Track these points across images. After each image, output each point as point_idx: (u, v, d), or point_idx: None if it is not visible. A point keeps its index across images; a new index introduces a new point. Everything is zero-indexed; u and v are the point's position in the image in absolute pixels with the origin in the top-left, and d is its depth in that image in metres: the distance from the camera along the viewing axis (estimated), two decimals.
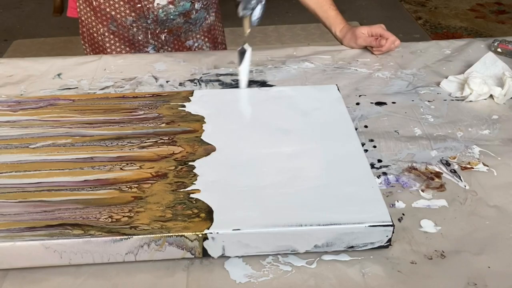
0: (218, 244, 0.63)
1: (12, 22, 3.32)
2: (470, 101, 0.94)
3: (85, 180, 0.70)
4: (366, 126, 0.88)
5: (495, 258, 0.64)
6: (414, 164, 0.79)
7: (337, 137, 0.78)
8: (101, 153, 0.75)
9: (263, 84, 1.01)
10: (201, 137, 0.78)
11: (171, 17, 1.17)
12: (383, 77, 1.03)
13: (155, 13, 1.15)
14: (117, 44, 1.20)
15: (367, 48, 1.13)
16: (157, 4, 1.14)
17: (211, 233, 0.62)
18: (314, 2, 1.17)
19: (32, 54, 2.80)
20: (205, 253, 0.63)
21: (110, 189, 0.68)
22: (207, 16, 1.24)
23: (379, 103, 0.95)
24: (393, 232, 0.64)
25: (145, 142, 0.77)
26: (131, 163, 0.73)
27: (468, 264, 0.63)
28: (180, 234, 0.62)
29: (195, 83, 1.01)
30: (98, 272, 0.63)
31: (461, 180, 0.76)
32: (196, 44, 1.25)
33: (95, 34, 1.20)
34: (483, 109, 0.93)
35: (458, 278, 0.61)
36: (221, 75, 1.04)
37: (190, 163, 0.73)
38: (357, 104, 0.94)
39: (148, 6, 1.14)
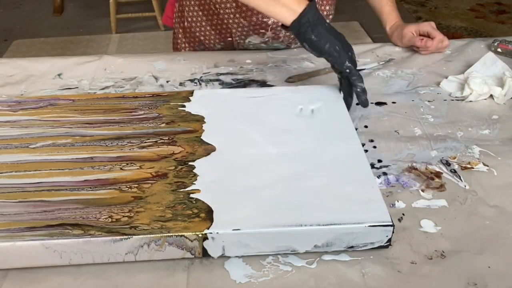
0: (218, 244, 0.63)
1: (12, 22, 3.32)
2: (470, 101, 0.94)
3: (85, 180, 0.70)
4: (366, 126, 0.88)
5: (495, 258, 0.64)
6: (414, 164, 0.79)
7: (337, 137, 0.78)
8: (101, 153, 0.75)
9: (263, 84, 1.01)
10: (201, 137, 0.78)
11: (262, 48, 1.16)
12: (383, 76, 1.03)
13: (244, 46, 1.16)
14: None
15: (412, 48, 1.12)
16: (249, 41, 1.14)
17: (211, 233, 0.62)
18: None
19: (32, 54, 2.80)
20: (205, 253, 0.63)
21: (110, 189, 0.68)
22: None
23: (379, 103, 0.95)
24: (393, 232, 0.64)
25: (145, 142, 0.77)
26: (131, 163, 0.73)
27: (468, 264, 0.63)
28: (180, 234, 0.62)
29: (195, 82, 1.01)
30: (98, 272, 0.63)
31: (461, 180, 0.76)
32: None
33: (183, 50, 1.22)
34: (483, 109, 0.93)
35: (458, 278, 0.61)
36: (221, 74, 1.04)
37: (190, 163, 0.73)
38: (357, 104, 0.94)
39: (239, 41, 1.15)
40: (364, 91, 0.85)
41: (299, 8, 0.82)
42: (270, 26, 1.10)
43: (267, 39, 1.13)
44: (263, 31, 1.11)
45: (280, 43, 1.14)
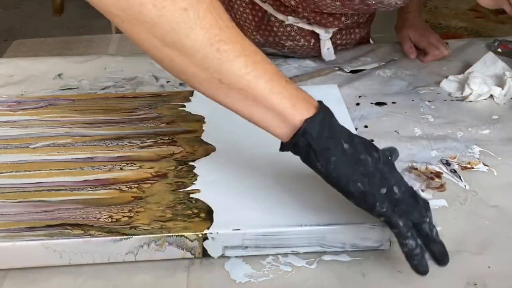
0: (218, 244, 0.63)
1: (12, 22, 3.32)
2: (470, 101, 0.94)
3: (85, 180, 0.70)
4: (366, 126, 0.88)
5: (495, 258, 0.64)
6: (414, 164, 0.79)
7: None
8: (101, 153, 0.75)
9: None
10: (201, 137, 0.78)
11: None
12: (384, 76, 1.03)
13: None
14: None
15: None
16: (264, 49, 1.07)
17: (211, 233, 0.62)
18: None
19: (32, 54, 2.80)
20: (205, 253, 0.63)
21: (110, 189, 0.68)
22: None
23: (379, 103, 0.95)
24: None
25: (145, 142, 0.77)
26: (131, 163, 0.73)
27: (468, 264, 0.63)
28: (180, 234, 0.62)
29: None
30: (98, 272, 0.63)
31: (461, 180, 0.76)
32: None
33: None
34: (483, 109, 0.93)
35: (458, 278, 0.61)
36: None
37: (190, 163, 0.73)
38: (357, 104, 0.94)
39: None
40: (434, 242, 0.57)
41: (299, 115, 0.54)
42: (287, 47, 1.07)
43: (283, 51, 1.10)
44: (279, 48, 1.09)
45: (297, 56, 1.10)
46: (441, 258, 0.56)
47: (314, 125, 0.54)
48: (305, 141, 0.54)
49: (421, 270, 0.57)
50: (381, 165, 0.55)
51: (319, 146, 0.54)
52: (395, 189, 0.54)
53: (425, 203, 0.56)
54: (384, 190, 0.54)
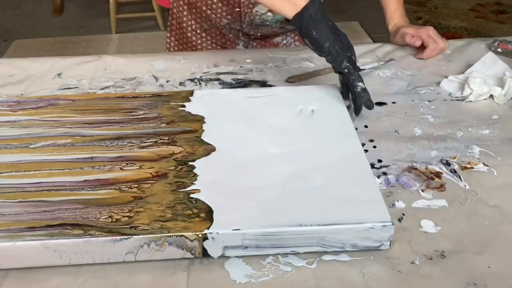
0: (218, 244, 0.63)
1: (12, 22, 3.33)
2: (470, 101, 0.94)
3: (85, 180, 0.70)
4: (366, 126, 0.88)
5: (495, 258, 0.64)
6: (414, 164, 0.79)
7: (337, 137, 0.78)
8: (101, 153, 0.75)
9: (263, 84, 1.01)
10: (201, 137, 0.78)
11: (267, 23, 1.17)
12: (383, 76, 1.03)
13: (251, 17, 1.15)
14: (208, 42, 1.21)
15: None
16: (256, 11, 1.13)
17: (211, 233, 0.62)
18: None
19: (32, 54, 2.80)
20: (205, 253, 0.63)
21: (110, 189, 0.68)
22: None
23: (379, 103, 0.94)
24: (393, 232, 0.63)
25: (145, 142, 0.77)
26: (131, 163, 0.73)
27: (468, 264, 0.63)
28: (180, 234, 0.62)
29: (195, 82, 1.01)
30: (98, 272, 0.63)
31: (461, 180, 0.76)
32: (284, 42, 1.24)
33: (185, 30, 1.21)
34: (483, 109, 0.93)
35: (458, 278, 0.61)
36: (221, 73, 1.04)
37: (190, 163, 0.73)
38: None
39: (246, 11, 1.14)
40: (365, 91, 0.85)
41: (302, 2, 0.83)
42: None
43: None
44: None
45: None
46: (367, 95, 0.85)
47: (313, 6, 0.83)
48: (307, 16, 0.83)
49: (370, 105, 0.86)
50: (346, 38, 0.86)
51: (316, 19, 0.83)
52: (353, 55, 0.85)
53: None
54: (349, 54, 0.84)
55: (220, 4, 1.13)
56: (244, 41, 1.21)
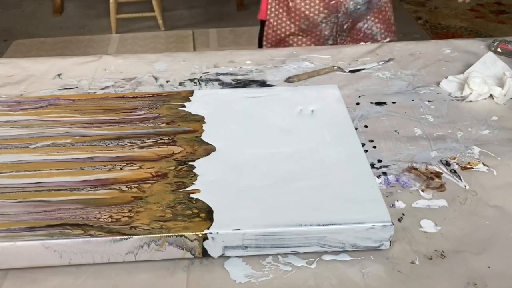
0: (218, 244, 0.63)
1: (12, 22, 3.32)
2: (470, 101, 0.94)
3: (85, 180, 0.70)
4: (366, 126, 0.88)
5: (495, 258, 0.64)
6: (414, 164, 0.79)
7: (337, 137, 0.78)
8: (101, 153, 0.75)
9: (263, 84, 1.01)
10: (201, 137, 0.78)
11: (358, 6, 1.24)
12: (383, 77, 1.03)
13: (346, 5, 1.23)
14: (304, 39, 1.28)
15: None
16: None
17: (211, 233, 0.62)
18: None
19: (32, 54, 2.80)
20: (205, 253, 0.63)
21: (110, 189, 0.68)
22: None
23: (379, 103, 0.95)
24: (393, 232, 0.63)
25: (145, 142, 0.77)
26: (131, 163, 0.73)
27: (468, 264, 0.63)
28: (180, 234, 0.62)
29: (195, 82, 1.01)
30: (98, 272, 0.63)
31: (461, 180, 0.76)
32: (365, 25, 1.30)
33: (283, 35, 1.29)
34: (483, 109, 0.93)
35: (458, 278, 0.61)
36: (221, 74, 1.04)
37: (190, 163, 0.73)
38: (357, 104, 0.94)
39: (341, 0, 1.22)
40: None
41: None
42: None
43: None
44: None
45: None
46: None
47: None
48: None
49: None
50: None
51: None
52: None
53: None
54: None
55: (317, 1, 1.23)
56: (334, 36, 1.29)
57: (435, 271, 0.62)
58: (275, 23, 1.29)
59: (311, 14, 1.24)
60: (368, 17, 1.29)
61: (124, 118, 0.83)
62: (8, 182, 0.70)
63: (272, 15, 1.29)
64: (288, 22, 1.27)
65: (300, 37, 1.28)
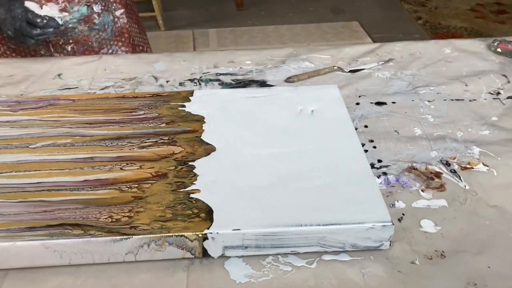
0: (218, 244, 0.63)
1: None
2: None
3: (85, 180, 0.70)
4: (366, 126, 0.88)
5: (495, 258, 0.64)
6: (414, 164, 0.79)
7: (337, 137, 0.78)
8: (101, 153, 0.75)
9: (263, 84, 1.01)
10: (201, 137, 0.78)
11: (70, 25, 1.13)
12: (383, 77, 1.03)
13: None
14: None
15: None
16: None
17: (211, 233, 0.62)
18: None
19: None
20: (205, 253, 0.63)
21: (110, 189, 0.68)
22: (116, 19, 1.20)
23: (379, 103, 0.95)
24: (393, 232, 0.64)
25: (145, 142, 0.77)
26: (131, 163, 0.73)
27: (468, 264, 0.63)
28: (180, 234, 0.62)
29: (195, 82, 1.02)
30: (98, 272, 0.63)
31: (461, 180, 0.76)
32: (110, 51, 1.20)
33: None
34: (483, 109, 0.93)
35: (458, 278, 0.61)
36: (221, 74, 1.04)
37: (190, 163, 0.73)
38: (357, 104, 0.94)
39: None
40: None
41: None
42: None
43: None
44: None
45: (79, 5, 1.11)
46: None
47: None
48: None
49: None
50: None
51: None
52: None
53: None
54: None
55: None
56: (59, 54, 1.16)
57: (435, 271, 0.62)
58: None
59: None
60: (112, 42, 1.19)
61: (124, 118, 0.83)
62: (8, 182, 0.70)
63: None
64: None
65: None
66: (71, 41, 1.15)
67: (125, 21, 1.21)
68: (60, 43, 1.15)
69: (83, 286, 0.61)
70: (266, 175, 0.71)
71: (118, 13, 1.20)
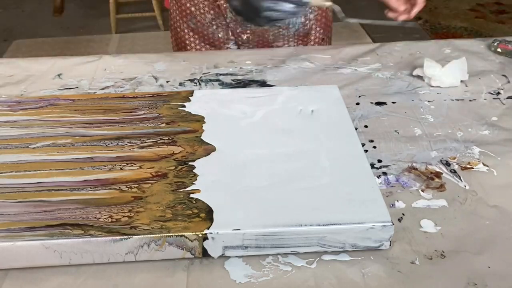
0: (218, 244, 0.63)
1: (12, 22, 3.33)
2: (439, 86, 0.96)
3: (85, 180, 0.70)
4: (366, 126, 0.88)
5: (495, 258, 0.64)
6: (414, 164, 0.79)
7: (337, 137, 0.78)
8: (101, 153, 0.75)
9: (263, 84, 1.01)
10: (201, 137, 0.78)
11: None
12: (383, 77, 1.03)
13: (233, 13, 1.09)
14: (197, 41, 1.18)
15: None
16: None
17: (211, 233, 0.62)
18: None
19: (32, 54, 2.80)
20: (205, 253, 0.63)
21: (110, 189, 0.68)
22: (307, 22, 1.17)
23: (379, 103, 0.95)
24: (393, 232, 0.64)
25: (145, 142, 0.77)
26: (131, 163, 0.73)
27: (468, 264, 0.63)
28: (180, 234, 0.62)
29: (195, 83, 1.01)
30: (98, 272, 0.63)
31: (461, 180, 0.76)
32: (286, 47, 1.18)
33: (178, 29, 1.19)
34: (483, 109, 0.93)
35: (458, 278, 0.61)
36: (221, 74, 1.04)
37: (190, 163, 0.73)
38: (357, 104, 0.94)
39: (225, 5, 1.10)
40: None
41: None
42: None
43: None
44: None
45: None
46: None
47: None
48: None
49: None
50: None
51: None
52: None
53: None
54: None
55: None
56: (235, 41, 1.17)
57: (435, 271, 0.62)
58: (173, 15, 1.19)
59: (197, 12, 1.13)
60: (291, 39, 1.17)
61: (124, 118, 0.83)
62: (8, 182, 0.70)
63: (171, 5, 1.18)
64: (180, 16, 1.16)
65: (192, 38, 1.18)
66: (248, 31, 1.14)
67: (315, 25, 1.19)
68: (238, 31, 1.14)
69: (83, 286, 0.61)
70: (266, 175, 0.71)
71: (312, 15, 1.17)
